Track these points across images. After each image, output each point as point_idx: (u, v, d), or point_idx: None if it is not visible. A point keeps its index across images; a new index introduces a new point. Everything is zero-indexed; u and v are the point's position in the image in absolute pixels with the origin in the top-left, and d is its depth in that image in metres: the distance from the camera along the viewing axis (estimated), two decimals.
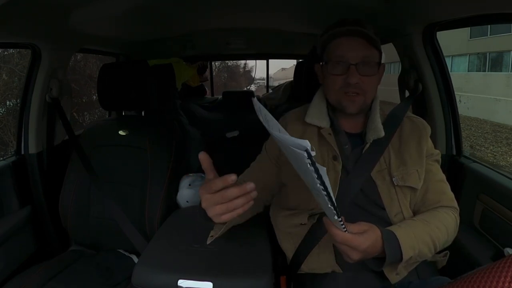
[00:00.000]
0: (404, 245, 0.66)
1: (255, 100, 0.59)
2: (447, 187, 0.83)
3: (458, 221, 0.80)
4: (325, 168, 0.49)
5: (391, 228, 0.70)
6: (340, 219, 0.57)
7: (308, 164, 0.47)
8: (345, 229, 0.60)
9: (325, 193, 0.52)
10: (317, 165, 0.48)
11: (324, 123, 0.83)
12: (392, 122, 0.83)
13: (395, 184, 0.78)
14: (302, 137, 0.83)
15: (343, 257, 0.64)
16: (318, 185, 0.50)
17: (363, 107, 0.80)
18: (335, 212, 0.55)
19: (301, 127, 0.86)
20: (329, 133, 0.82)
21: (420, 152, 0.80)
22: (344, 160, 0.81)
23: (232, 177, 0.53)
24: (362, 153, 0.80)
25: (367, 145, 0.80)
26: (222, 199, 0.55)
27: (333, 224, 0.60)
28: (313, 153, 0.46)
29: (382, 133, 0.79)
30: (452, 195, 0.83)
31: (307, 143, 0.45)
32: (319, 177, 0.49)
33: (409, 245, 0.67)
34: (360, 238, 0.61)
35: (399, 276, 0.75)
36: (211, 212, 0.57)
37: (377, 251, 0.64)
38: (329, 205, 0.54)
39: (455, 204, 0.82)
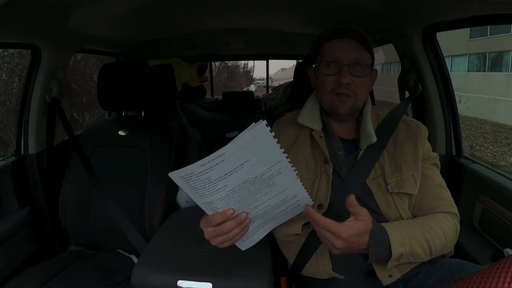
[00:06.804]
0: (394, 240, 0.64)
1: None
2: (445, 192, 0.79)
3: (458, 228, 0.76)
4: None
5: (382, 223, 0.68)
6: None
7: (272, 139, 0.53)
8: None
9: (293, 168, 0.59)
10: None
11: (316, 125, 0.83)
12: (387, 126, 0.82)
13: (390, 191, 0.76)
14: (296, 141, 0.85)
15: (328, 247, 0.63)
16: (288, 162, 0.57)
17: (353, 109, 0.80)
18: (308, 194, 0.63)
19: (295, 131, 0.85)
20: (320, 136, 0.81)
21: (415, 156, 0.78)
22: (337, 165, 0.79)
23: (230, 211, 0.60)
24: (357, 160, 0.79)
25: (361, 152, 0.79)
26: (222, 232, 0.62)
27: (315, 212, 0.62)
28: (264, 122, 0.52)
29: (374, 139, 0.78)
30: (451, 200, 0.79)
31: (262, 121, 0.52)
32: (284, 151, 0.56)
33: (399, 240, 0.65)
34: (343, 226, 0.61)
35: (392, 278, 0.72)
36: (213, 242, 0.65)
37: (363, 243, 0.63)
38: (304, 188, 0.62)
39: (455, 210, 0.78)
